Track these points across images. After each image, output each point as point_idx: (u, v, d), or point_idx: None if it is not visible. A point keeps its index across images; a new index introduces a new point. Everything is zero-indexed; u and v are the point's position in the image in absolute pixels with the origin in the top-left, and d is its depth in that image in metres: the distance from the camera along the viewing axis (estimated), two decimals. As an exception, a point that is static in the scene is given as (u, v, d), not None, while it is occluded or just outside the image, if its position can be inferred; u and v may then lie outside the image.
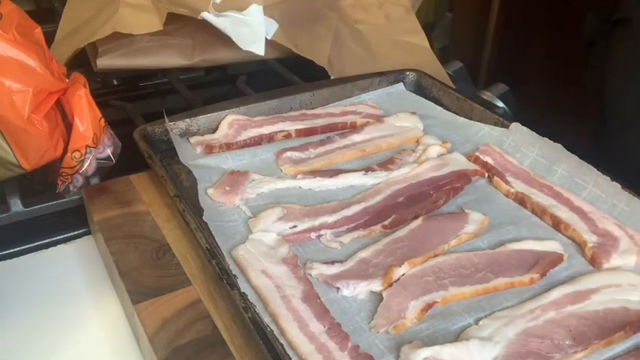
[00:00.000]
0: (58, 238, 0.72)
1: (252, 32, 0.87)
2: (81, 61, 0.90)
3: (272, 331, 0.51)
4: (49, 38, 0.70)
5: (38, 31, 0.67)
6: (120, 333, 0.60)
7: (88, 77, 0.72)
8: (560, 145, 0.73)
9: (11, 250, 0.70)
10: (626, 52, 1.01)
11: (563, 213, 0.66)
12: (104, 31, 0.83)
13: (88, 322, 0.62)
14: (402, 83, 0.93)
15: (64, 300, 0.64)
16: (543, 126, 0.77)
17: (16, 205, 0.71)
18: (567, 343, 0.51)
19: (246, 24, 0.86)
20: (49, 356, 0.58)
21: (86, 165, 0.69)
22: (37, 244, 0.71)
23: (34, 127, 0.63)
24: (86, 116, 0.68)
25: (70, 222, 0.73)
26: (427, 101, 0.89)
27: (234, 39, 0.86)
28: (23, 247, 0.70)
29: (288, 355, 0.49)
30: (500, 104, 1.00)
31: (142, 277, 0.60)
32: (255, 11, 0.87)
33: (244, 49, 0.87)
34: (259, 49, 0.88)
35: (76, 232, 0.73)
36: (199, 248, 0.61)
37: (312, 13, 0.97)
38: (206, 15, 0.84)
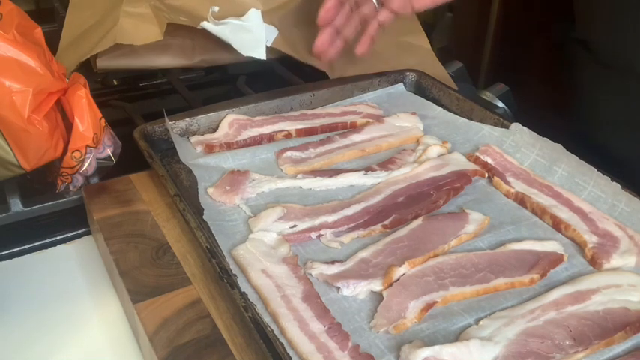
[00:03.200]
0: (58, 238, 0.72)
1: (252, 38, 0.87)
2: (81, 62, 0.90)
3: (272, 331, 0.51)
4: (49, 38, 0.69)
5: (38, 31, 0.67)
6: (120, 332, 0.60)
7: (88, 77, 0.72)
8: (560, 145, 0.73)
9: (11, 250, 0.69)
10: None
11: (564, 213, 0.66)
12: (106, 43, 0.84)
13: (88, 322, 0.62)
14: (402, 83, 0.93)
15: (64, 300, 0.64)
16: (543, 126, 0.77)
17: (16, 205, 0.71)
18: (567, 343, 0.51)
19: (246, 30, 0.87)
20: (49, 356, 0.58)
21: (86, 165, 0.69)
22: (37, 244, 0.70)
23: (34, 127, 0.63)
24: (86, 116, 0.68)
25: (70, 222, 0.73)
26: (427, 101, 0.89)
27: (235, 46, 0.87)
28: (23, 247, 0.70)
29: (289, 355, 0.50)
30: (500, 104, 1.00)
31: (142, 276, 0.60)
32: (254, 16, 0.87)
33: (246, 55, 0.88)
34: (261, 55, 0.88)
35: (76, 232, 0.73)
36: (199, 247, 0.61)
37: (311, 18, 0.97)
38: (206, 24, 0.85)
